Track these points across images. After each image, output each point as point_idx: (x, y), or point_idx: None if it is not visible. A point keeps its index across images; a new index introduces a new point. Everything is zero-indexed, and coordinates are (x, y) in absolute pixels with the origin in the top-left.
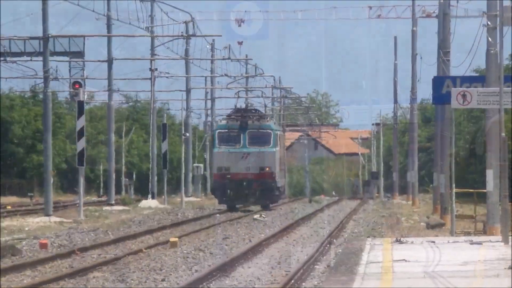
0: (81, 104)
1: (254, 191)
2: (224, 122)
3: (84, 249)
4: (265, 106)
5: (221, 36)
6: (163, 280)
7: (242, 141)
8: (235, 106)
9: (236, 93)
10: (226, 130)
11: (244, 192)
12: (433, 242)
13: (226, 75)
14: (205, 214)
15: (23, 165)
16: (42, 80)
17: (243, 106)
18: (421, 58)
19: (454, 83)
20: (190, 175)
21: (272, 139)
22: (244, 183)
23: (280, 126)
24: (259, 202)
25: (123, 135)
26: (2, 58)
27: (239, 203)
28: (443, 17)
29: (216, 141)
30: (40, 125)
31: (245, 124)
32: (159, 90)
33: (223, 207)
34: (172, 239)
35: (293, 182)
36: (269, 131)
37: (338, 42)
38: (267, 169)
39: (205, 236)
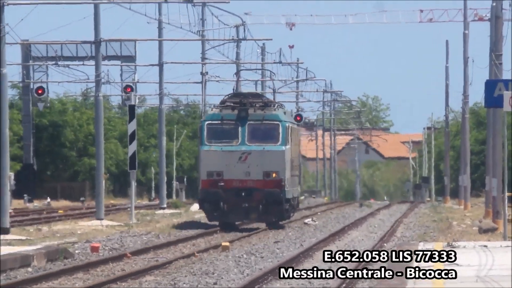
0: (132, 108)
1: (256, 204)
2: (216, 110)
3: (136, 253)
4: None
5: (271, 39)
6: (215, 283)
7: (240, 137)
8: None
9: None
10: (219, 122)
11: (243, 205)
12: (485, 246)
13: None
14: None
15: (75, 168)
16: (94, 84)
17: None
18: (473, 61)
19: (507, 86)
20: None
21: (280, 133)
22: (243, 194)
23: (293, 116)
24: (263, 219)
25: (174, 138)
26: (54, 62)
27: (236, 219)
28: (495, 20)
29: (205, 137)
30: (92, 129)
31: (244, 114)
32: (209, 94)
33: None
34: (223, 243)
35: (343, 186)
36: (277, 122)
37: (389, 45)
38: (273, 174)
39: (257, 240)
